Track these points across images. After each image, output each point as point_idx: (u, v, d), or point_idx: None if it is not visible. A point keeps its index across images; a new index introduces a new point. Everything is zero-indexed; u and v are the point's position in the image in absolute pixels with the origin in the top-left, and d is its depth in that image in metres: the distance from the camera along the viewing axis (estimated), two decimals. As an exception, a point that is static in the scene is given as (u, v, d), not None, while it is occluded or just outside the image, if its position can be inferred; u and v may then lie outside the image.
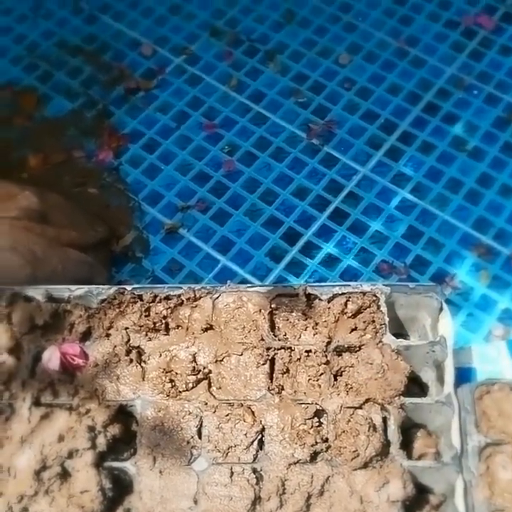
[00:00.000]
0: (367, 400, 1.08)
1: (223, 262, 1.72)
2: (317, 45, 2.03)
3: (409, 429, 1.13)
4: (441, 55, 2.00)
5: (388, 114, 1.92)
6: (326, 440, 1.06)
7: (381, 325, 1.14)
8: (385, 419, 1.08)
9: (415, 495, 1.05)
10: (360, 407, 1.07)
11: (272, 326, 1.16)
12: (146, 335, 1.14)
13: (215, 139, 1.89)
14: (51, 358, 1.09)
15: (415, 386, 1.20)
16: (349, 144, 1.88)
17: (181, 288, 1.17)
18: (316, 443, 1.04)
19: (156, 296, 1.15)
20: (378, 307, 1.16)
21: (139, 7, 2.12)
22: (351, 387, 1.09)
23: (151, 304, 1.15)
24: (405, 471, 1.03)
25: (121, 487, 1.04)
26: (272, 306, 1.17)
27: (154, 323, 1.14)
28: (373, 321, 1.15)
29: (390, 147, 1.87)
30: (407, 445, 1.10)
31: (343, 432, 1.05)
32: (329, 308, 1.17)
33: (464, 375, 1.22)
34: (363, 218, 1.77)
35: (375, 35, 2.04)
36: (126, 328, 1.13)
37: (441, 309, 1.16)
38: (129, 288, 1.16)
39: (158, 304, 1.15)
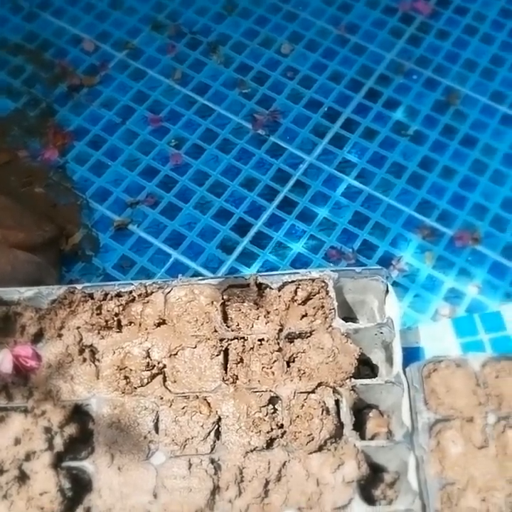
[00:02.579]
0: (319, 384, 1.10)
1: (175, 256, 1.72)
2: (259, 36, 2.04)
3: (361, 410, 1.16)
4: (381, 41, 2.04)
5: (331, 102, 1.94)
6: (281, 426, 1.08)
7: (330, 310, 1.17)
8: (337, 402, 1.10)
9: (370, 474, 1.08)
10: (313, 392, 1.10)
11: (225, 317, 1.17)
12: (99, 333, 1.14)
13: (161, 133, 1.89)
14: (3, 361, 1.09)
15: (366, 368, 1.23)
16: (294, 133, 1.90)
17: (132, 284, 1.17)
18: (272, 429, 1.07)
19: (107, 294, 1.16)
20: (327, 293, 1.18)
21: (79, 3, 2.10)
22: (304, 373, 1.12)
23: (102, 302, 1.15)
24: (359, 451, 1.06)
25: (80, 486, 1.05)
26: (224, 297, 1.19)
27: (106, 321, 1.14)
28: (323, 307, 1.17)
29: (334, 135, 1.90)
30: (360, 426, 1.13)
31: (298, 416, 1.07)
32: (280, 296, 1.19)
33: (412, 355, 1.25)
34: (311, 206, 1.80)
35: (315, 23, 2.06)
36: (78, 328, 1.13)
37: (387, 292, 1.20)
38: (79, 287, 1.16)
39: (110, 302, 1.15)
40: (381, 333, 1.16)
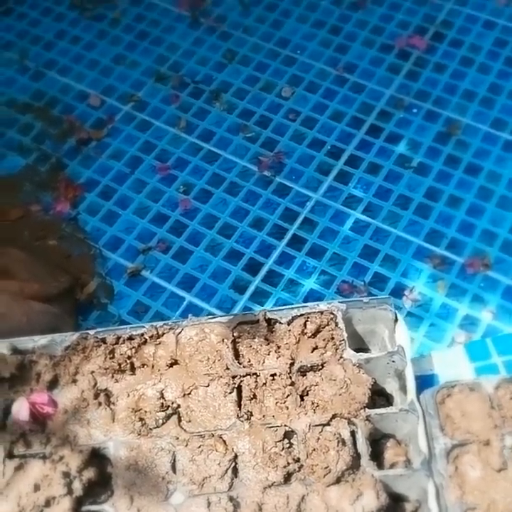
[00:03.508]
0: (334, 416, 1.10)
1: (188, 298, 1.75)
2: (259, 81, 2.10)
3: (378, 440, 1.15)
4: (379, 78, 2.09)
5: (334, 140, 1.98)
6: (298, 460, 1.07)
7: (340, 341, 1.17)
8: (353, 433, 1.10)
9: (390, 504, 1.07)
10: (327, 424, 1.10)
11: (236, 354, 1.18)
12: (113, 377, 1.15)
13: (169, 180, 1.94)
14: (20, 409, 1.10)
15: (382, 398, 1.22)
16: (299, 173, 1.94)
17: (144, 327, 1.19)
18: (288, 464, 1.06)
19: (119, 338, 1.17)
20: (336, 324, 1.19)
21: (83, 60, 2.18)
22: (318, 405, 1.12)
23: (114, 346, 1.17)
24: (377, 481, 1.05)
25: (101, 530, 1.05)
26: (235, 334, 1.20)
27: (119, 364, 1.15)
28: (333, 338, 1.18)
29: (338, 171, 1.93)
30: (377, 456, 1.12)
31: (314, 450, 1.07)
32: (290, 330, 1.19)
33: (427, 382, 1.25)
34: (320, 242, 1.82)
35: (314, 65, 2.12)
36: (92, 372, 1.15)
37: (396, 320, 1.20)
38: (91, 332, 1.18)
39: (122, 345, 1.17)
40: (393, 361, 1.16)
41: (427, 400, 1.13)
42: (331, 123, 2.02)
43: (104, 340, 1.18)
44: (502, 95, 2.03)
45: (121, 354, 1.16)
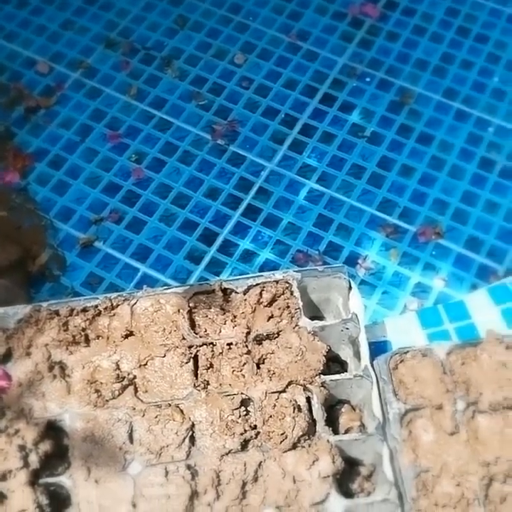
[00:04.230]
0: (290, 383, 1.11)
1: (143, 269, 1.73)
2: (212, 48, 2.07)
3: (333, 406, 1.17)
4: (332, 46, 2.08)
5: (288, 109, 1.97)
6: (255, 427, 1.09)
7: (296, 310, 1.18)
8: (308, 399, 1.12)
9: (346, 468, 1.09)
10: (283, 391, 1.11)
11: (192, 325, 1.18)
12: (67, 349, 1.14)
13: (121, 149, 1.90)
14: (-27, 383, 1.09)
15: (336, 365, 1.24)
16: (254, 142, 1.93)
17: (98, 298, 1.18)
18: (245, 431, 1.07)
19: (72, 310, 1.16)
20: (291, 293, 1.20)
21: (30, 26, 2.11)
22: (274, 373, 1.13)
23: (68, 318, 1.15)
24: (333, 446, 1.07)
25: (59, 502, 1.04)
26: (191, 305, 1.19)
27: (74, 337, 1.14)
28: (288, 307, 1.19)
29: (292, 141, 1.93)
30: (332, 422, 1.14)
31: (270, 416, 1.08)
32: (245, 299, 1.20)
33: (380, 348, 1.27)
34: (275, 212, 1.82)
35: (266, 32, 2.10)
36: (46, 345, 1.13)
37: (350, 288, 1.21)
38: (44, 304, 1.16)
39: (76, 317, 1.15)
40: (347, 328, 1.18)
41: (380, 365, 1.15)
42: (285, 91, 2.00)
43: (57, 313, 1.16)
44: (454, 65, 2.05)
45: (75, 326, 1.15)
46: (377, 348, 1.27)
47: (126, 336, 1.16)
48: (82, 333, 1.15)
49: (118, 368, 1.13)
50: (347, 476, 1.11)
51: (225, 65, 2.04)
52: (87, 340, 1.16)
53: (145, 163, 1.88)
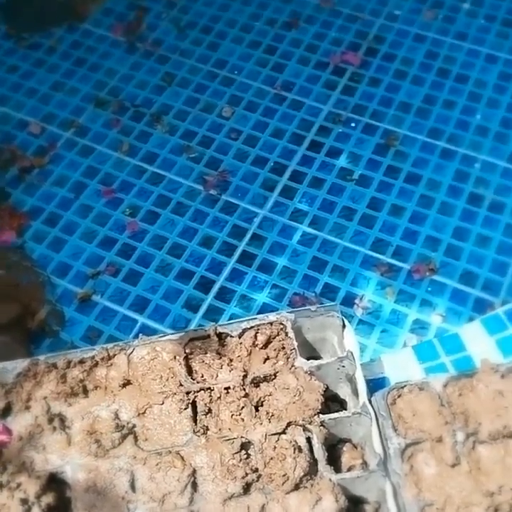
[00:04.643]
0: (289, 424, 1.12)
1: (141, 320, 1.74)
2: (199, 102, 2.13)
3: (335, 445, 1.17)
4: (316, 94, 2.14)
5: (276, 157, 2.02)
6: (256, 470, 1.08)
7: (291, 350, 1.19)
8: (308, 439, 1.12)
9: (350, 507, 1.08)
10: (283, 432, 1.11)
11: (189, 371, 1.19)
12: (66, 401, 1.14)
13: (115, 204, 1.94)
14: (-26, 440, 1.09)
15: (336, 404, 1.24)
16: (245, 190, 1.96)
17: (94, 349, 1.19)
18: (247, 474, 1.07)
19: (70, 362, 1.17)
20: (286, 334, 1.21)
21: (21, 89, 2.18)
22: (272, 415, 1.13)
23: (66, 370, 1.16)
24: (335, 485, 1.07)
25: (63, 556, 1.04)
26: (187, 351, 1.20)
27: (72, 388, 1.15)
28: (283, 348, 1.20)
29: (283, 187, 1.96)
30: (334, 461, 1.14)
31: (271, 458, 1.08)
32: (241, 343, 1.21)
33: (378, 385, 1.27)
34: (270, 256, 1.85)
35: (252, 85, 2.16)
36: (45, 398, 1.14)
37: (344, 326, 1.23)
38: (42, 358, 1.17)
39: (73, 369, 1.16)
40: (343, 366, 1.19)
41: (378, 401, 1.16)
42: (273, 140, 2.05)
43: (55, 365, 1.17)
44: (436, 105, 2.10)
45: (73, 378, 1.16)
46: (376, 384, 1.28)
47: (124, 385, 1.17)
48: (80, 385, 1.16)
49: (117, 417, 1.13)
50: (352, 514, 1.10)
51: (214, 118, 2.10)
52: (86, 391, 1.16)
53: (139, 216, 1.91)
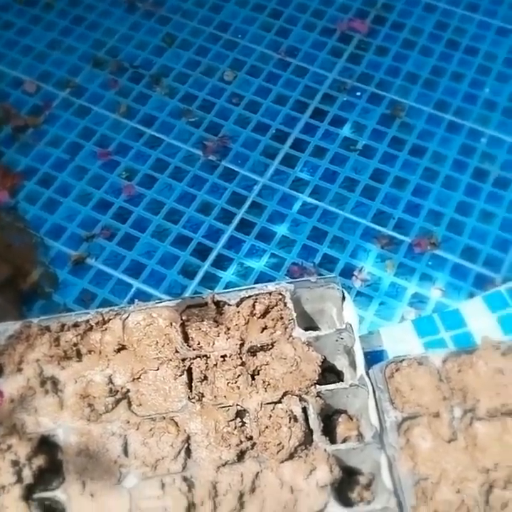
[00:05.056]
0: (285, 394, 1.10)
1: (136, 285, 1.72)
2: (201, 65, 2.08)
3: (330, 416, 1.16)
4: (322, 61, 2.09)
5: (278, 124, 1.98)
6: (251, 438, 1.07)
7: (290, 320, 1.18)
8: (304, 409, 1.10)
9: (344, 478, 1.07)
10: (279, 402, 1.10)
11: (185, 338, 1.17)
12: (59, 364, 1.13)
13: (111, 166, 1.90)
14: (-36, 400, 1.07)
15: (332, 375, 1.23)
16: (245, 157, 1.92)
17: (89, 313, 1.17)
18: (241, 442, 1.06)
19: (63, 325, 1.15)
20: (285, 304, 1.19)
21: (16, 46, 2.12)
22: (269, 384, 1.12)
23: (59, 333, 1.14)
24: (330, 455, 1.06)
25: (55, 517, 1.03)
26: (183, 318, 1.19)
27: (65, 352, 1.13)
28: (282, 318, 1.18)
29: (284, 155, 1.93)
30: (330, 431, 1.13)
31: (266, 427, 1.07)
32: (238, 311, 1.19)
33: (376, 358, 1.26)
34: (269, 225, 1.82)
35: (255, 49, 2.10)
36: (38, 360, 1.12)
37: (343, 298, 1.21)
38: (35, 320, 1.15)
39: (67, 332, 1.14)
40: (341, 338, 1.17)
41: (376, 374, 1.15)
42: (275, 107, 2.01)
43: (48, 328, 1.15)
44: (444, 77, 2.06)
45: (67, 341, 1.14)
46: (374, 357, 1.26)
47: (119, 350, 1.15)
48: (74, 348, 1.14)
49: (111, 382, 1.12)
50: (346, 485, 1.10)
51: (215, 82, 2.05)
52: (79, 355, 1.15)
53: (136, 180, 1.87)
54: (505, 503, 1.02)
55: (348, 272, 1.74)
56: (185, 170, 1.90)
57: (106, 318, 1.17)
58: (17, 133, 1.94)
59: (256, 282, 1.72)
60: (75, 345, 1.15)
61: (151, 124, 1.97)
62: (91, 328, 1.17)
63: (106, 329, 1.17)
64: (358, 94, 2.04)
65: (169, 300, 1.21)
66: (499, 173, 1.90)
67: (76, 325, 1.16)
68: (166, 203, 1.84)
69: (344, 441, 1.13)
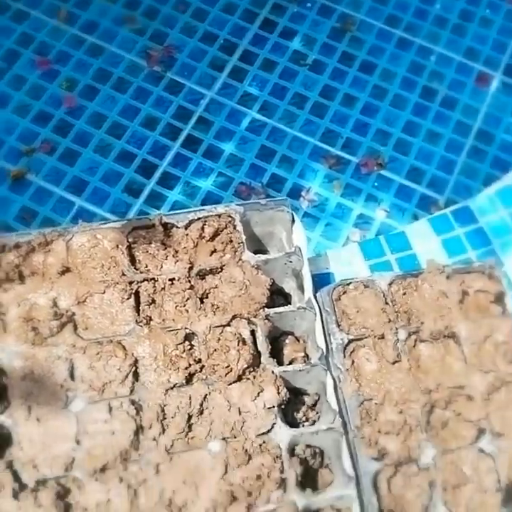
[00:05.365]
0: (234, 317, 1.10)
1: (79, 203, 1.67)
2: (145, -33, 1.96)
3: (278, 338, 1.17)
4: (272, -32, 1.99)
5: (227, 34, 1.90)
6: (199, 361, 1.08)
7: (239, 244, 1.16)
8: (253, 332, 1.11)
9: (291, 398, 1.09)
10: (228, 325, 1.10)
11: (132, 260, 1.15)
12: (1, 286, 1.09)
13: (51, 76, 1.80)
14: None
15: (280, 297, 1.24)
16: (192, 68, 1.85)
17: (31, 234, 1.12)
18: (190, 365, 1.06)
19: (4, 246, 1.10)
20: (234, 227, 1.17)
21: None
22: (218, 307, 1.11)
23: (0, 255, 1.10)
24: (277, 377, 1.07)
25: (0, 441, 1.02)
26: (130, 240, 1.16)
27: (7, 274, 1.09)
28: (231, 241, 1.17)
29: (232, 68, 1.86)
30: (277, 353, 1.14)
31: (215, 350, 1.07)
32: (187, 234, 1.17)
33: (323, 280, 1.27)
34: (216, 143, 1.77)
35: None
36: (-22, 283, 1.09)
37: (293, 221, 1.20)
38: (-27, 241, 1.11)
39: (9, 253, 1.10)
40: (290, 261, 1.17)
41: (323, 297, 1.15)
42: (223, 15, 1.92)
43: (-12, 249, 1.11)
44: (397, -10, 2.00)
45: (8, 263, 1.10)
46: (321, 279, 1.27)
47: (63, 273, 1.12)
48: (16, 270, 1.10)
49: (55, 305, 1.09)
50: (292, 406, 1.12)
51: (160, -13, 1.94)
52: (22, 278, 1.11)
53: (77, 91, 1.79)
54: (445, 422, 1.06)
55: (295, 193, 1.73)
56: (129, 81, 1.82)
57: (49, 239, 1.13)
58: None
59: (203, 202, 1.69)
60: (17, 266, 1.11)
61: (93, 31, 1.87)
62: (33, 250, 1.13)
63: (49, 251, 1.13)
64: (309, 5, 1.97)
65: (115, 221, 1.18)
66: (447, 93, 1.89)
67: (17, 246, 1.12)
68: (109, 116, 1.77)
69: (291, 362, 1.15)
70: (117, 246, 1.14)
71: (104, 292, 1.11)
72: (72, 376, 1.05)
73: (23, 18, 1.87)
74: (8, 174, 1.67)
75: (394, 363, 1.11)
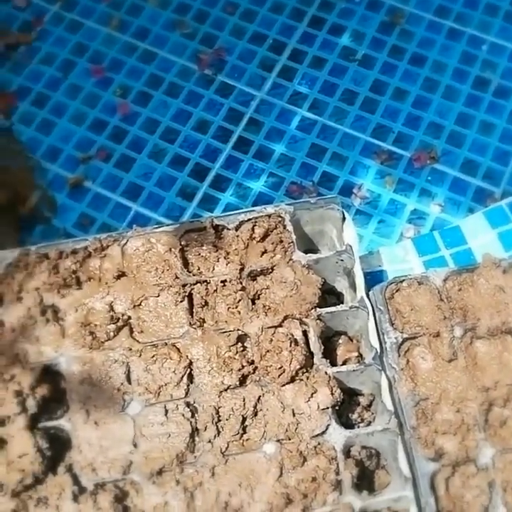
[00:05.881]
0: (285, 317, 1.11)
1: (135, 208, 1.70)
2: (194, -27, 1.98)
3: (330, 338, 1.17)
4: (320, -34, 1.98)
5: (275, 34, 1.90)
6: (252, 362, 1.09)
7: (289, 244, 1.17)
8: (305, 333, 1.11)
9: (345, 399, 1.09)
10: (280, 326, 1.10)
11: (185, 263, 1.17)
12: (59, 292, 1.13)
13: (105, 84, 1.83)
14: (-34, 331, 1.08)
15: (333, 297, 1.24)
16: (242, 70, 1.86)
17: (87, 240, 1.16)
18: (243, 367, 1.07)
19: (61, 252, 1.14)
20: (284, 227, 1.18)
21: (0, -41, 2.01)
22: (269, 308, 1.12)
23: (58, 261, 1.14)
24: (331, 378, 1.07)
25: (60, 445, 1.05)
26: (182, 243, 1.18)
27: (64, 279, 1.13)
28: (281, 241, 1.17)
29: (282, 67, 1.86)
30: (330, 353, 1.14)
31: (267, 351, 1.08)
32: (238, 235, 1.18)
33: (376, 278, 1.26)
34: (267, 143, 1.77)
35: (250, -45, 2.00)
36: (37, 289, 1.12)
37: (344, 219, 1.19)
38: (33, 248, 1.14)
39: (66, 260, 1.14)
40: (341, 260, 1.16)
41: (376, 295, 1.15)
42: (271, 15, 1.92)
43: (46, 256, 1.14)
44: (446, -19, 1.96)
45: (66, 269, 1.13)
46: (374, 277, 1.26)
47: (119, 277, 1.15)
48: (73, 276, 1.14)
49: (112, 309, 1.12)
50: (346, 407, 1.12)
51: (208, -10, 1.96)
52: (79, 283, 1.14)
53: (131, 98, 1.82)
54: (504, 420, 1.04)
55: (347, 190, 1.71)
56: (181, 85, 1.84)
57: (104, 245, 1.16)
58: (8, 51, 1.86)
59: (255, 203, 1.69)
60: (74, 272, 1.14)
61: (145, 38, 1.89)
62: (89, 255, 1.16)
63: (105, 256, 1.16)
64: (357, 1, 1.95)
65: (168, 225, 1.20)
66: (500, 82, 1.84)
67: (74, 252, 1.15)
68: (162, 122, 1.79)
69: (344, 363, 1.14)
70: (170, 249, 1.16)
71: (159, 295, 1.13)
72: (128, 379, 1.08)
73: (77, 28, 1.91)
74: (67, 182, 1.71)
75: (450, 361, 1.09)
